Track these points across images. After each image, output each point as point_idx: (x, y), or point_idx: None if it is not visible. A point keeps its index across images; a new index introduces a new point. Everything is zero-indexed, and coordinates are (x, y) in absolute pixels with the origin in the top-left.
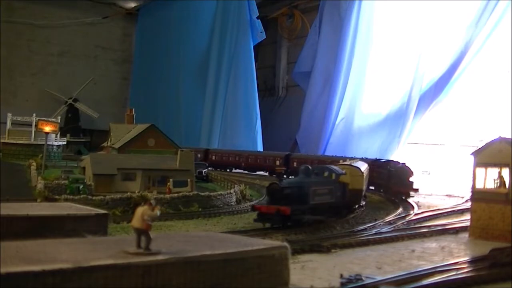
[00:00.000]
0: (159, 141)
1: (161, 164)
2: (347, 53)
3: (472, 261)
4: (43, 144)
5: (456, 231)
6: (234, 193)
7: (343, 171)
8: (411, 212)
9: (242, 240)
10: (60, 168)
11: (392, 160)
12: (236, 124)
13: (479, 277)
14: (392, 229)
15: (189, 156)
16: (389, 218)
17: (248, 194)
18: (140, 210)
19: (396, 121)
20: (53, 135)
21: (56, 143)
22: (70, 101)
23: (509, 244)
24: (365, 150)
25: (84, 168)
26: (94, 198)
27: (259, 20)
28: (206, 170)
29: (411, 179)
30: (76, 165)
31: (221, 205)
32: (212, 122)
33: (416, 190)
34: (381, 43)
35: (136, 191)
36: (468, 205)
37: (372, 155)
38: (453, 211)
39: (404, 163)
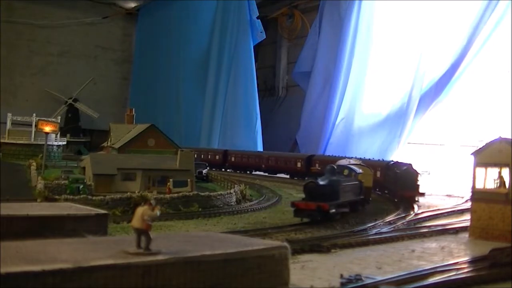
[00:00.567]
0: (159, 141)
1: (161, 164)
2: (347, 53)
3: (472, 261)
4: (43, 144)
5: (456, 231)
6: (234, 193)
7: (360, 170)
8: (411, 212)
9: (242, 240)
10: (60, 168)
11: (400, 162)
12: (236, 124)
13: (479, 277)
14: (392, 229)
15: (189, 156)
16: (389, 218)
17: (248, 194)
18: (140, 210)
19: (396, 121)
20: (53, 135)
21: (56, 143)
22: (70, 101)
23: (509, 244)
24: (365, 150)
25: (84, 168)
26: (94, 198)
27: (259, 20)
28: (206, 170)
29: (417, 182)
30: (76, 165)
31: (221, 205)
32: (212, 122)
33: (422, 194)
34: (381, 43)
35: (136, 191)
36: (468, 205)
37: (372, 155)
38: (453, 211)
39: (410, 164)
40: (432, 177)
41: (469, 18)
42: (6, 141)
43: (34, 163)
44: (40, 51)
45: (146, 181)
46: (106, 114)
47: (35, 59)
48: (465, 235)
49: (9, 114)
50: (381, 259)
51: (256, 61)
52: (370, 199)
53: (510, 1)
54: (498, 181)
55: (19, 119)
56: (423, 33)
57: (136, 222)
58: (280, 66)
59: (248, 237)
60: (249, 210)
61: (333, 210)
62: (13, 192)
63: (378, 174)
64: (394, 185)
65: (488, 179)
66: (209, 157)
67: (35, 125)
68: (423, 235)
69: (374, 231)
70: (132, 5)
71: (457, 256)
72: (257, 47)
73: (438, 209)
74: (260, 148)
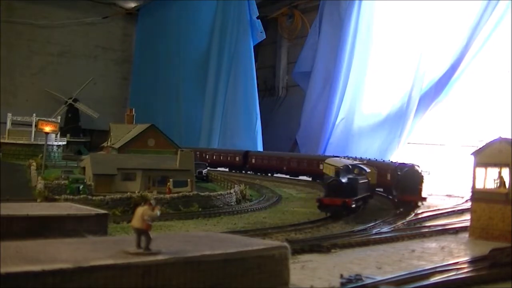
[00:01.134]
0: (159, 141)
1: (161, 164)
2: (347, 53)
3: (472, 261)
4: (43, 144)
5: (456, 231)
6: (234, 193)
7: (368, 169)
8: (411, 212)
9: (242, 240)
10: (60, 168)
11: (405, 163)
12: (236, 124)
13: (479, 277)
14: (392, 229)
15: (189, 156)
16: (389, 218)
17: (248, 194)
18: (140, 210)
19: (396, 121)
20: (53, 135)
21: (56, 143)
22: (70, 101)
23: (509, 244)
24: (365, 150)
25: (84, 168)
26: (94, 198)
27: (259, 20)
28: (206, 170)
29: (419, 185)
30: (76, 165)
31: (221, 205)
32: (212, 122)
33: (424, 199)
34: (381, 43)
35: (136, 191)
36: (468, 205)
37: (372, 155)
38: (453, 211)
39: (413, 165)
40: (432, 177)
41: (469, 18)
42: (6, 141)
43: (34, 163)
44: (40, 51)
45: (146, 181)
46: (106, 114)
47: (35, 59)
48: (465, 235)
49: (9, 114)
50: (381, 259)
51: (256, 61)
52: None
53: (510, 1)
54: (498, 181)
55: (19, 119)
56: (423, 33)
57: (136, 222)
58: (280, 66)
59: (248, 237)
60: (249, 210)
61: (354, 205)
62: (13, 192)
63: (388, 176)
64: (395, 188)
65: (488, 179)
66: (229, 158)
67: (35, 125)
68: (423, 235)
69: (374, 231)
70: (132, 5)
71: (457, 256)
72: (257, 47)
73: (438, 209)
74: (260, 148)
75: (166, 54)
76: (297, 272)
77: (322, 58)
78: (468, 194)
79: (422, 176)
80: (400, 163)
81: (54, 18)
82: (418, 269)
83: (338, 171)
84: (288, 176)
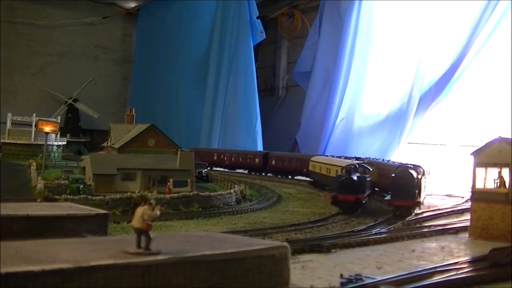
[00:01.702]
0: (159, 141)
1: (161, 164)
2: (347, 53)
3: (472, 261)
4: (43, 144)
5: (456, 231)
6: (234, 193)
7: (371, 168)
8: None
9: (242, 240)
10: (60, 168)
11: (405, 164)
12: (236, 124)
13: (479, 277)
14: (392, 229)
15: (189, 156)
16: (389, 218)
17: (248, 194)
18: (140, 210)
19: (396, 121)
20: (53, 135)
21: (56, 143)
22: (70, 101)
23: (509, 244)
24: (365, 150)
25: (84, 168)
26: (94, 198)
27: (259, 20)
28: (206, 170)
29: (414, 188)
30: (76, 165)
31: (221, 205)
32: (212, 122)
33: (417, 204)
34: (381, 43)
35: (136, 191)
36: (468, 205)
37: (372, 155)
38: (453, 211)
39: (408, 166)
40: (432, 177)
41: (469, 18)
42: (6, 141)
43: (34, 163)
44: (40, 51)
45: (146, 181)
46: (106, 114)
47: (35, 59)
48: (465, 235)
49: (9, 114)
50: (381, 259)
51: (256, 61)
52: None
53: (510, 1)
54: (498, 181)
55: (19, 119)
56: (423, 33)
57: (136, 222)
58: (280, 66)
59: (248, 237)
60: (249, 210)
61: (364, 201)
62: (13, 192)
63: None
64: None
65: (488, 179)
66: (248, 160)
67: (35, 125)
68: (423, 235)
69: (374, 231)
70: (132, 5)
71: (457, 256)
72: (257, 47)
73: (438, 209)
74: (260, 148)
75: (166, 54)
76: (297, 272)
77: (322, 58)
78: (468, 194)
79: (418, 178)
80: (389, 162)
81: (54, 18)
82: (418, 269)
83: (349, 170)
84: (309, 179)
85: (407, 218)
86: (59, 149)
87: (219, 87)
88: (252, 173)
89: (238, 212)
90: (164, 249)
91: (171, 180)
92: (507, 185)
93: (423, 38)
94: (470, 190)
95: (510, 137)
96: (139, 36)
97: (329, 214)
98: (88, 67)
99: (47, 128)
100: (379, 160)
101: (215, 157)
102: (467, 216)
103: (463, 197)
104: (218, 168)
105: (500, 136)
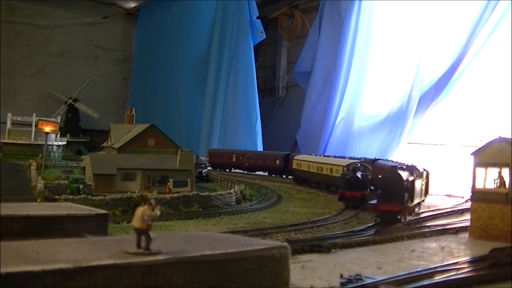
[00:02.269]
0: (159, 141)
1: (161, 164)
2: (347, 53)
3: (472, 261)
4: (43, 144)
5: (456, 231)
6: (234, 193)
7: (370, 167)
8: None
9: (242, 240)
10: (60, 168)
11: (404, 164)
12: (236, 124)
13: (479, 277)
14: (391, 229)
15: (189, 156)
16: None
17: (248, 194)
18: (140, 210)
19: (396, 121)
20: (53, 135)
21: (56, 143)
22: (70, 101)
23: (509, 244)
24: (365, 150)
25: (84, 168)
26: (94, 198)
27: (259, 20)
28: (206, 170)
29: (404, 191)
30: (76, 165)
31: (221, 205)
32: (212, 122)
33: (407, 209)
34: (381, 43)
35: (136, 191)
36: (468, 205)
37: (372, 155)
38: (453, 211)
39: (398, 166)
40: (432, 177)
41: (469, 18)
42: (6, 141)
43: (34, 163)
44: (40, 51)
45: (146, 181)
46: (106, 114)
47: (35, 59)
48: (465, 235)
49: (9, 114)
50: (381, 259)
51: (256, 61)
52: None
53: (510, 1)
54: (498, 181)
55: (19, 119)
56: (423, 33)
57: (136, 222)
58: (280, 66)
59: (248, 237)
60: (249, 210)
61: (368, 197)
62: (13, 192)
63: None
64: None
65: (488, 179)
66: (268, 162)
67: (35, 125)
68: (423, 235)
69: (374, 231)
70: (132, 5)
71: (457, 256)
72: (257, 47)
73: (438, 209)
74: (260, 148)
75: (166, 54)
76: (297, 272)
77: (322, 58)
78: (468, 194)
79: (408, 180)
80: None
81: (54, 18)
82: (418, 269)
83: (355, 168)
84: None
85: (391, 226)
86: (59, 149)
87: (219, 87)
88: (272, 175)
89: (238, 212)
90: (164, 249)
91: (171, 180)
92: (507, 185)
93: (423, 38)
94: (470, 190)
95: (510, 137)
96: (139, 36)
97: (329, 214)
98: (88, 67)
99: (47, 128)
100: (380, 160)
101: (234, 159)
102: (467, 216)
103: (463, 197)
104: (237, 170)
105: (500, 136)
